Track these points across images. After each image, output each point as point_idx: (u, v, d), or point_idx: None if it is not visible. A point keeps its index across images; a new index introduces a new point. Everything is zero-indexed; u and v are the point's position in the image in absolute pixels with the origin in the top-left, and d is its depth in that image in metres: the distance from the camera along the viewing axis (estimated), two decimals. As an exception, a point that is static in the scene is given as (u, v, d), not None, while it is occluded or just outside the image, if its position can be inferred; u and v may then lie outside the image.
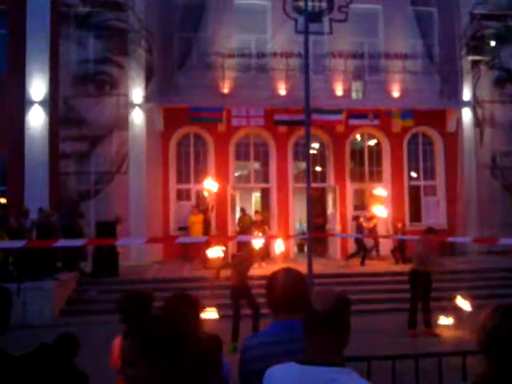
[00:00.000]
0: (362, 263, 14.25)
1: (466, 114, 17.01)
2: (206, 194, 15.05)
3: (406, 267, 10.28)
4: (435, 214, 16.99)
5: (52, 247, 10.54)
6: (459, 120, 17.01)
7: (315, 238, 13.58)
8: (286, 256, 15.47)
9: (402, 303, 9.63)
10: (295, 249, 16.82)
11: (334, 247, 16.09)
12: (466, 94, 16.95)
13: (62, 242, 10.05)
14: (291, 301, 2.30)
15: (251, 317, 8.46)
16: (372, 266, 14.19)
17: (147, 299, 3.16)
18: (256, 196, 18.70)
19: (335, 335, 1.89)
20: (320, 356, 1.87)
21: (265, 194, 17.33)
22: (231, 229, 15.74)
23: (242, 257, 8.93)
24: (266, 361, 2.08)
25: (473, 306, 8.32)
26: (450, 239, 12.74)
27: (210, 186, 14.71)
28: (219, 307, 8.32)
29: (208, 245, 11.55)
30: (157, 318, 2.24)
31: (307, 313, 1.94)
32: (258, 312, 8.37)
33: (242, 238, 11.18)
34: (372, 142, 17.43)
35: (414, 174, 17.41)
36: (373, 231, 14.90)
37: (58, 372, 1.65)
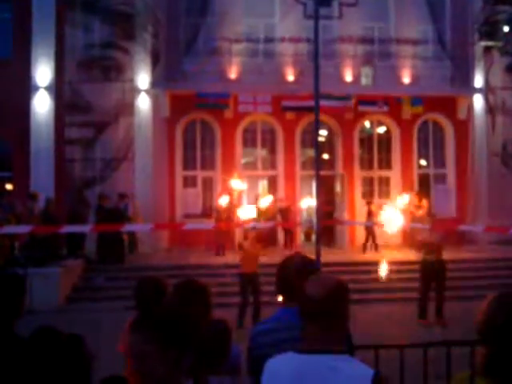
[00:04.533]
0: (364, 250, 14.21)
1: (478, 101, 16.67)
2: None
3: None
4: (445, 202, 16.74)
5: (57, 233, 10.48)
6: (470, 107, 16.69)
7: (322, 226, 13.41)
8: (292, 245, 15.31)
9: (414, 292, 9.51)
10: (302, 237, 16.65)
11: (342, 236, 15.93)
12: (478, 81, 16.61)
13: (67, 228, 9.99)
14: (301, 287, 2.20)
15: (252, 304, 8.61)
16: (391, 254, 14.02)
17: (161, 286, 3.18)
18: (263, 183, 18.51)
19: (331, 322, 1.84)
20: (318, 344, 1.81)
21: (272, 182, 17.17)
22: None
23: (252, 243, 8.96)
24: (275, 347, 2.08)
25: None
26: (461, 228, 12.53)
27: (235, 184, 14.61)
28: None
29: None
30: (168, 309, 2.19)
31: (302, 300, 1.89)
32: (259, 300, 8.53)
33: (250, 224, 11.06)
34: (381, 129, 17.18)
35: (423, 162, 17.17)
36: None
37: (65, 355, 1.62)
